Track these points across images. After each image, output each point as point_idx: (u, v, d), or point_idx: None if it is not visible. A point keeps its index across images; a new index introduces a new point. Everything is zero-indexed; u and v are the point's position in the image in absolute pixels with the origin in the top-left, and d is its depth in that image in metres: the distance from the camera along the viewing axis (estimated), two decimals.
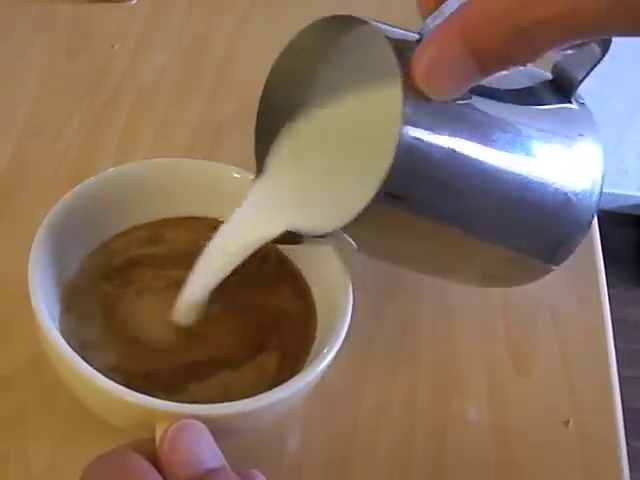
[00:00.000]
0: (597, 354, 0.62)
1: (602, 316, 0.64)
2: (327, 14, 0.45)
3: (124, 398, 0.44)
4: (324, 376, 0.49)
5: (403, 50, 0.40)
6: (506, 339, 0.62)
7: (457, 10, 0.39)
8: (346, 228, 0.44)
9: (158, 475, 0.41)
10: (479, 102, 0.44)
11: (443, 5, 0.42)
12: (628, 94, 1.81)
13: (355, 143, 0.50)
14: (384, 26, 0.44)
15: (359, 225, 0.43)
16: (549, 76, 0.50)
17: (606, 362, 0.62)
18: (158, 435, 0.43)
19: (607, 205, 2.01)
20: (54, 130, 0.72)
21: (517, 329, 0.63)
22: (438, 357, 0.61)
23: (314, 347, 0.50)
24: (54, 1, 0.83)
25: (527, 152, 0.46)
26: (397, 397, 0.58)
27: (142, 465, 0.42)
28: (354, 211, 0.42)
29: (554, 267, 0.53)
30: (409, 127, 0.40)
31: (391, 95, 0.42)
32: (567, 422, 0.58)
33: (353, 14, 0.44)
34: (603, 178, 0.50)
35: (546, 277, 0.64)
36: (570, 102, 0.50)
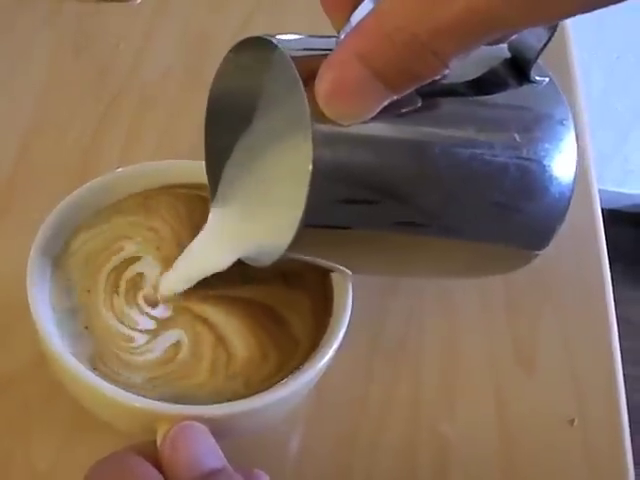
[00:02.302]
0: (602, 353, 0.62)
1: (607, 315, 0.64)
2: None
3: (125, 402, 0.44)
4: (327, 375, 0.49)
5: (311, 73, 0.38)
6: (510, 338, 0.62)
7: (353, 29, 0.37)
8: (281, 260, 0.44)
9: (160, 477, 0.42)
10: (425, 103, 0.42)
11: (352, 17, 0.40)
12: (633, 94, 1.81)
13: (292, 167, 0.48)
14: (305, 40, 0.43)
15: (297, 253, 0.43)
16: (506, 53, 0.48)
17: (611, 361, 0.62)
18: (159, 437, 0.43)
19: (612, 204, 2.00)
20: (59, 128, 0.72)
21: (521, 328, 0.63)
22: (442, 356, 0.61)
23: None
24: (59, 0, 0.83)
25: (482, 148, 0.44)
26: (401, 396, 0.59)
27: (144, 467, 0.42)
28: (285, 244, 0.42)
29: (536, 253, 0.51)
30: (322, 153, 0.39)
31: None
32: (572, 421, 0.58)
33: (263, 34, 0.42)
34: (578, 155, 0.48)
35: (551, 275, 0.65)
36: (531, 81, 0.47)
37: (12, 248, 0.51)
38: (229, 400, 0.46)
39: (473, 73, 0.45)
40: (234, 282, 0.51)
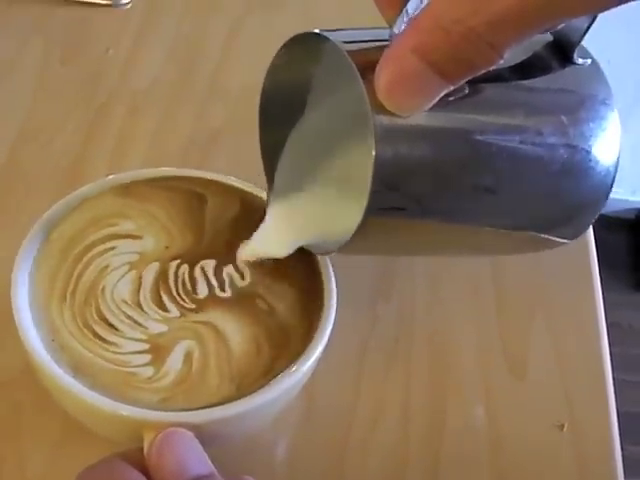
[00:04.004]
0: (592, 358, 0.62)
1: (597, 320, 0.64)
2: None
3: (110, 410, 0.44)
4: (316, 379, 0.49)
5: (368, 66, 0.39)
6: (501, 342, 0.62)
7: (409, 23, 0.38)
8: (344, 249, 0.44)
9: None
10: (473, 90, 0.43)
11: (406, 7, 0.40)
12: (623, 99, 1.81)
13: (349, 157, 0.50)
14: (353, 33, 0.43)
15: (360, 241, 0.43)
16: (549, 37, 0.48)
17: (601, 366, 0.62)
18: (146, 444, 0.43)
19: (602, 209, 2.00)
20: (48, 135, 0.72)
21: (512, 332, 0.63)
22: (432, 360, 0.61)
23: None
24: (48, 5, 0.83)
25: (531, 132, 0.44)
26: (391, 400, 0.58)
27: (132, 474, 0.42)
28: (350, 229, 0.42)
29: (582, 231, 0.52)
30: (382, 146, 0.40)
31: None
32: (562, 426, 0.58)
33: (316, 30, 0.43)
34: (620, 133, 0.48)
35: (541, 280, 0.65)
36: (574, 63, 0.47)
37: (1, 252, 0.51)
38: (220, 404, 0.46)
39: (517, 58, 0.46)
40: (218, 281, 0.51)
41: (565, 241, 0.51)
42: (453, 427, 0.58)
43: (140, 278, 0.51)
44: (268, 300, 0.51)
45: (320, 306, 0.50)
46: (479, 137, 0.43)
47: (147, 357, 0.47)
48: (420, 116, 0.41)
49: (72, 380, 0.45)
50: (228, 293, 0.51)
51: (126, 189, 0.55)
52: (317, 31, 0.43)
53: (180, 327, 0.49)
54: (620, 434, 0.58)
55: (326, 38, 0.43)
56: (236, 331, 0.49)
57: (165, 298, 0.50)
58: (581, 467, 0.56)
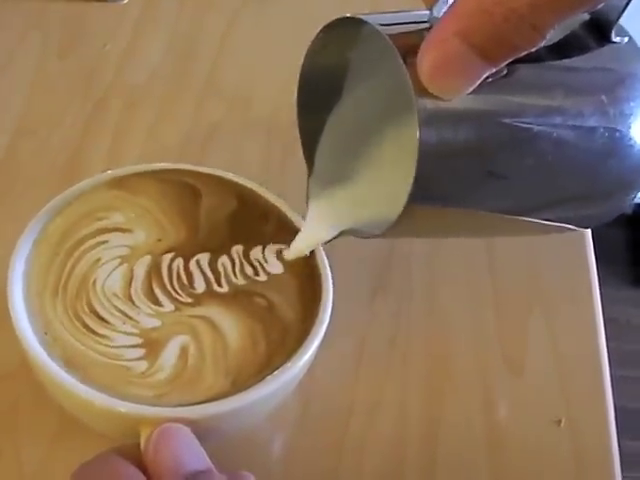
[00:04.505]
0: (589, 354, 0.62)
1: (594, 315, 0.64)
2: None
3: (107, 407, 0.44)
4: (313, 376, 0.49)
5: (409, 49, 0.39)
6: (498, 339, 0.62)
7: (451, 6, 0.38)
8: (387, 233, 0.44)
9: (144, 479, 0.41)
10: (511, 72, 0.42)
11: None
12: None
13: (392, 140, 0.50)
14: (390, 17, 0.43)
15: (405, 225, 0.43)
16: (585, 16, 0.47)
17: (598, 362, 0.62)
18: (143, 440, 0.43)
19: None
20: (45, 130, 0.72)
21: (509, 328, 0.63)
22: (430, 357, 0.61)
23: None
24: (45, 0, 0.83)
25: (571, 112, 0.44)
26: (389, 397, 0.58)
27: (128, 470, 0.42)
28: (394, 213, 0.42)
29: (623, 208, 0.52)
30: (426, 130, 0.40)
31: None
32: (559, 421, 0.58)
33: (356, 14, 0.43)
34: None
35: (538, 276, 0.65)
36: (612, 42, 0.47)
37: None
38: (215, 399, 0.45)
39: (554, 37, 0.44)
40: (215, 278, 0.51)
41: (599, 223, 0.52)
42: (450, 423, 0.57)
43: (132, 271, 0.51)
44: (265, 296, 0.51)
45: (317, 302, 0.50)
46: (520, 119, 0.42)
47: (140, 351, 0.47)
48: (462, 99, 0.40)
49: (64, 374, 0.45)
50: (225, 288, 0.51)
51: (118, 182, 0.55)
52: (355, 15, 0.43)
53: (175, 322, 0.49)
54: (617, 429, 0.58)
55: (365, 22, 0.42)
56: (232, 326, 0.49)
57: (158, 292, 0.50)
58: (579, 462, 0.57)
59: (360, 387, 0.59)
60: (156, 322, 0.48)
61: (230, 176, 0.56)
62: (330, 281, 0.51)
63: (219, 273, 0.51)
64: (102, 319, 0.48)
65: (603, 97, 0.45)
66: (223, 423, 0.47)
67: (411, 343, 0.61)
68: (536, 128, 0.43)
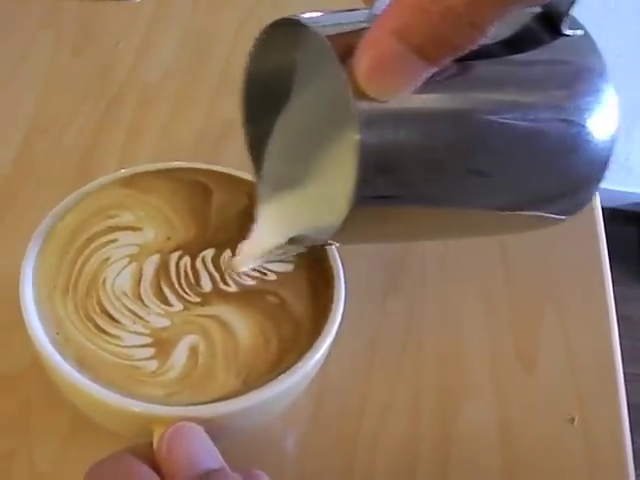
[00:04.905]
0: (602, 351, 0.62)
1: (607, 313, 0.64)
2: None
3: (120, 407, 0.44)
4: (327, 374, 0.49)
5: (348, 50, 0.38)
6: (511, 337, 0.62)
7: (388, 5, 0.37)
8: (335, 238, 0.43)
9: (157, 478, 0.41)
10: (460, 69, 0.41)
11: None
12: (633, 92, 1.80)
13: (336, 144, 0.48)
14: (333, 17, 0.42)
15: (350, 230, 0.42)
16: (537, 9, 0.46)
17: (611, 359, 0.61)
18: (156, 439, 0.43)
19: (612, 202, 2.00)
20: (58, 128, 0.72)
21: (522, 327, 0.63)
22: (442, 355, 0.61)
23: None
24: None
25: (523, 108, 0.43)
26: (402, 396, 0.58)
27: (141, 469, 0.42)
28: (340, 217, 0.41)
29: (582, 206, 0.50)
30: (367, 132, 0.39)
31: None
32: (572, 419, 0.58)
33: (293, 15, 0.42)
34: (618, 105, 0.47)
35: (552, 274, 0.65)
36: (564, 35, 0.45)
37: (12, 246, 0.51)
38: (227, 398, 0.45)
39: (505, 32, 0.44)
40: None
41: (564, 217, 0.50)
42: (463, 421, 0.57)
43: (141, 270, 0.51)
44: (276, 293, 0.51)
45: (329, 300, 0.50)
46: (469, 117, 0.41)
47: (151, 351, 0.47)
48: (405, 99, 0.39)
49: (77, 374, 0.45)
50: (234, 287, 0.51)
51: (129, 181, 0.55)
52: (294, 16, 0.42)
53: (185, 321, 0.49)
54: (630, 427, 0.58)
55: (302, 23, 0.42)
56: (243, 325, 0.49)
57: (167, 291, 0.50)
58: (591, 460, 0.56)
59: (373, 386, 0.59)
60: (166, 322, 0.48)
61: (242, 174, 0.56)
62: (342, 279, 0.51)
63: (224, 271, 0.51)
64: (113, 319, 0.48)
65: (557, 91, 0.44)
66: (235, 422, 0.47)
67: (423, 342, 0.61)
68: (486, 126, 0.42)
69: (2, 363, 0.57)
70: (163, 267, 0.51)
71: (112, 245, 0.52)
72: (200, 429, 0.44)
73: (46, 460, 0.53)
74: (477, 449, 0.56)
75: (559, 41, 0.45)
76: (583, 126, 0.45)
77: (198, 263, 0.51)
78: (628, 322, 1.87)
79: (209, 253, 0.52)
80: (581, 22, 0.47)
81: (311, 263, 0.52)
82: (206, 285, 0.50)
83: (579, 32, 0.46)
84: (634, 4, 1.56)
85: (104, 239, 0.52)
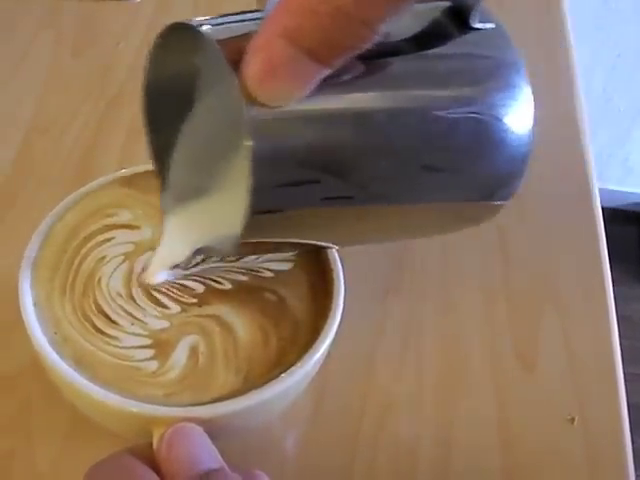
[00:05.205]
0: (602, 351, 0.62)
1: (607, 313, 0.64)
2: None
3: (119, 407, 0.44)
4: (327, 373, 0.49)
5: (239, 56, 0.36)
6: (511, 337, 0.62)
7: (276, 6, 0.35)
8: (237, 248, 0.42)
9: (157, 479, 0.41)
10: (362, 67, 0.39)
11: None
12: (634, 92, 1.81)
13: (235, 153, 0.47)
14: (224, 20, 0.41)
15: (252, 238, 0.41)
16: (448, 3, 0.44)
17: (611, 359, 0.61)
18: (155, 440, 0.43)
19: (612, 203, 2.00)
20: (59, 128, 0.72)
21: (522, 326, 0.63)
22: (443, 355, 0.61)
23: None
24: None
25: (431, 106, 0.41)
26: (402, 395, 0.58)
27: (141, 469, 0.42)
28: (237, 231, 0.40)
29: (502, 204, 0.48)
30: (259, 138, 0.37)
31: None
32: (572, 419, 0.58)
33: (189, 19, 0.41)
34: (533, 100, 0.45)
35: (551, 274, 0.64)
36: (475, 28, 0.44)
37: (12, 246, 0.51)
38: (227, 398, 0.45)
39: (412, 28, 0.42)
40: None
41: (486, 214, 0.49)
42: (463, 421, 0.57)
43: (132, 270, 0.51)
44: (274, 291, 0.50)
45: (328, 298, 0.50)
46: (370, 117, 0.40)
47: (150, 352, 0.47)
48: (302, 104, 0.38)
49: (75, 374, 0.45)
50: (232, 286, 0.50)
51: (129, 181, 0.55)
52: (187, 21, 0.41)
53: (183, 322, 0.48)
54: (630, 427, 0.58)
55: (194, 28, 0.40)
56: (242, 323, 0.48)
57: (156, 293, 0.50)
58: (591, 460, 0.56)
59: (373, 385, 0.59)
60: (164, 323, 0.48)
61: None
62: (342, 277, 0.50)
63: (218, 271, 0.51)
64: (110, 320, 0.48)
65: (466, 87, 0.43)
66: (235, 422, 0.47)
67: (424, 342, 0.61)
68: (390, 127, 0.41)
69: (2, 363, 0.57)
70: None
71: (108, 244, 0.52)
72: (200, 429, 0.44)
73: (46, 460, 0.53)
74: (477, 449, 0.56)
75: (469, 35, 0.44)
76: (498, 121, 0.44)
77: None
78: (628, 322, 1.87)
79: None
80: (492, 16, 0.45)
81: (310, 262, 0.52)
82: (196, 287, 0.50)
83: (489, 25, 0.45)
84: (634, 4, 1.56)
85: (101, 237, 0.52)
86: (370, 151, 0.40)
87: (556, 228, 0.70)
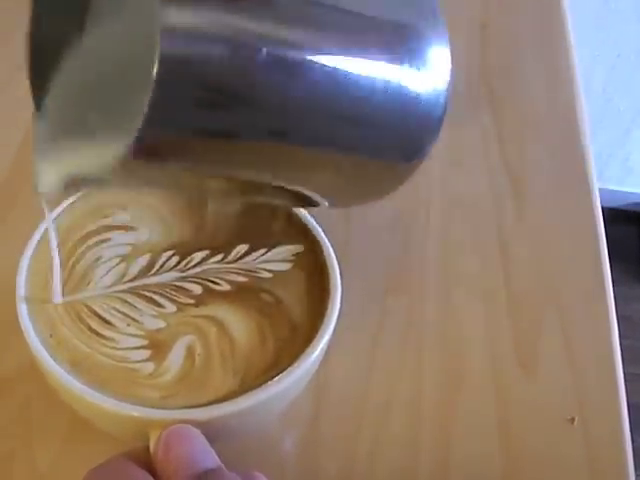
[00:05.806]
0: (602, 351, 0.62)
1: (607, 313, 0.64)
2: None
3: (116, 410, 0.44)
4: (327, 374, 0.49)
5: None
6: (511, 337, 0.62)
7: None
8: (117, 173, 0.38)
9: None
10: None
11: None
12: (634, 92, 1.81)
13: (124, 76, 0.44)
14: None
15: (136, 164, 0.38)
16: None
17: (611, 359, 0.61)
18: (152, 442, 0.43)
19: (612, 202, 2.01)
20: None
21: (522, 327, 0.63)
22: (443, 355, 0.61)
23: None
24: None
25: (343, 53, 0.40)
26: (402, 395, 0.58)
27: (138, 473, 0.42)
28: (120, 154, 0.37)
29: (415, 163, 0.47)
30: (169, 42, 0.34)
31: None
32: (572, 419, 0.58)
33: None
34: (450, 58, 0.44)
35: (552, 274, 0.64)
36: None
37: (13, 246, 0.51)
38: (224, 399, 0.45)
39: None
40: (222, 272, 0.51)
41: (401, 166, 0.47)
42: (463, 421, 0.57)
43: (127, 271, 0.51)
44: (271, 291, 0.50)
45: (325, 299, 0.50)
46: (288, 51, 0.38)
47: (147, 353, 0.47)
48: (221, 17, 0.35)
49: (70, 377, 0.45)
50: (230, 286, 0.50)
51: None
52: None
53: (180, 322, 0.49)
54: (630, 427, 0.58)
55: None
56: (239, 324, 0.49)
57: (151, 293, 0.50)
58: (591, 460, 0.56)
59: (373, 386, 0.59)
60: (161, 323, 0.48)
61: None
62: (338, 278, 0.50)
63: (216, 271, 0.51)
64: (104, 320, 0.48)
65: (380, 38, 0.41)
66: (232, 423, 0.47)
67: (424, 343, 0.61)
68: (303, 62, 0.38)
69: (1, 365, 0.57)
70: (148, 268, 0.51)
71: (104, 245, 0.52)
72: (197, 431, 0.44)
73: (46, 461, 0.53)
74: (477, 449, 0.56)
75: None
76: (409, 77, 0.42)
77: (190, 264, 0.51)
78: (628, 322, 1.87)
79: (201, 255, 0.52)
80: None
81: (308, 263, 0.52)
82: (194, 288, 0.50)
83: None
84: (634, 4, 1.56)
85: (97, 239, 0.52)
86: (279, 85, 0.38)
87: (556, 228, 0.70)
